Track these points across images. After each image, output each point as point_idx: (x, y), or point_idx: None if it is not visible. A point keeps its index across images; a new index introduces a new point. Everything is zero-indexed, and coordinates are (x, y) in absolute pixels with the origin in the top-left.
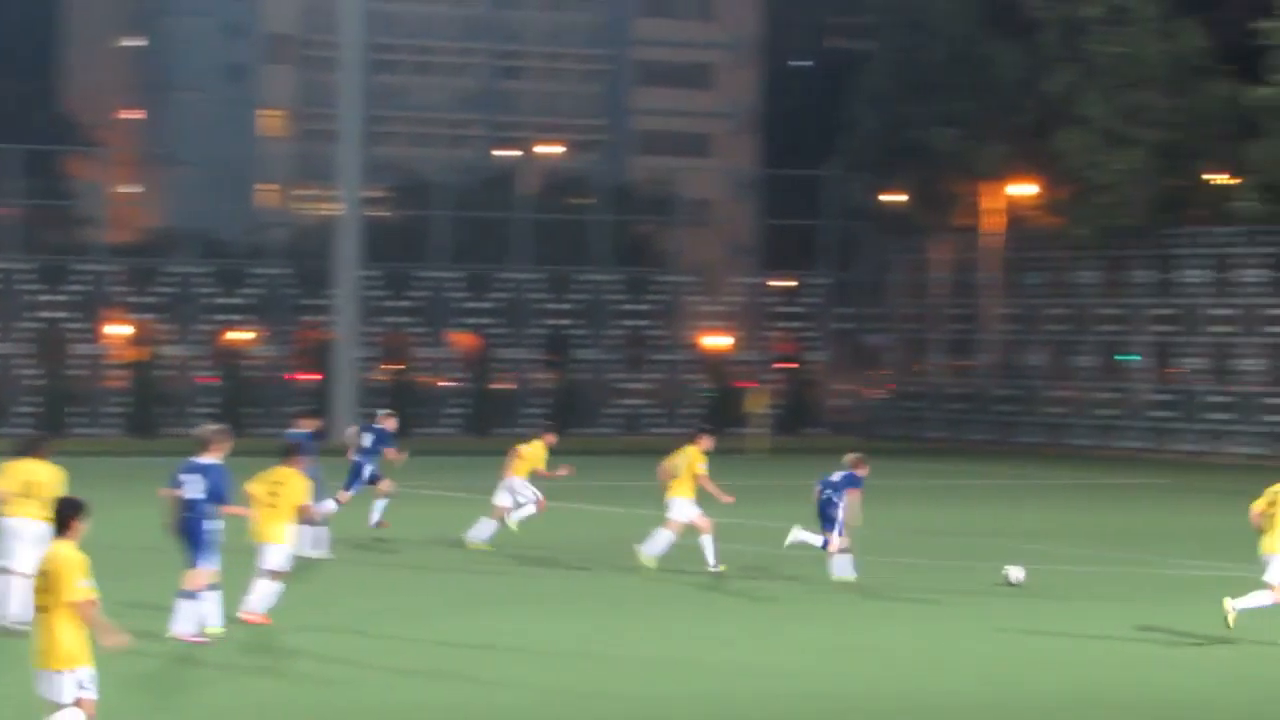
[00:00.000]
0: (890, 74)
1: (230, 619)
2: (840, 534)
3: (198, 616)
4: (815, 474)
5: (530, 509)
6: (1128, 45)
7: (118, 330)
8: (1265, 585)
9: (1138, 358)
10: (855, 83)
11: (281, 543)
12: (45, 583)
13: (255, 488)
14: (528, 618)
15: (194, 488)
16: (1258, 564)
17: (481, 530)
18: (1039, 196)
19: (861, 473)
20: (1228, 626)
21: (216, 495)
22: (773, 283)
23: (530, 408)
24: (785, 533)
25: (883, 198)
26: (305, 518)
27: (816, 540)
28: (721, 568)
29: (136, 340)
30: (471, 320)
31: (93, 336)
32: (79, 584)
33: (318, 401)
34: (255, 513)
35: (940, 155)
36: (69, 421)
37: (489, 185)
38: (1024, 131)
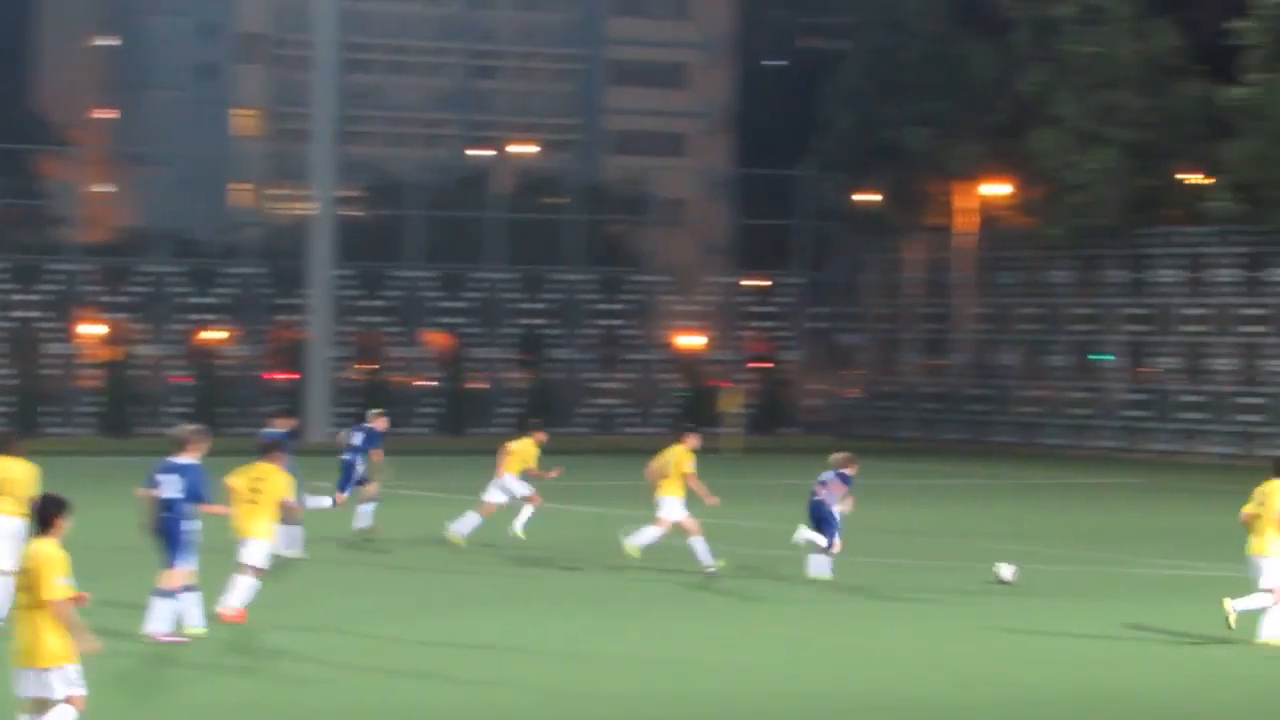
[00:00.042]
0: (864, 74)
1: (211, 618)
2: (839, 534)
3: (174, 616)
4: (789, 474)
5: (529, 511)
6: (1101, 45)
7: (91, 330)
8: (1263, 589)
9: (1111, 357)
10: (829, 82)
11: (263, 538)
12: (26, 580)
13: (236, 482)
14: (512, 617)
15: (171, 488)
16: (1234, 563)
17: (465, 524)
18: (1012, 196)
19: (850, 472)
20: (1229, 627)
21: (194, 495)
22: (746, 282)
23: (504, 407)
24: (762, 533)
25: (856, 197)
26: (287, 513)
27: (821, 540)
28: (720, 563)
29: (110, 340)
30: (445, 320)
31: (66, 336)
32: (57, 582)
33: (292, 401)
34: (236, 508)
35: (914, 155)
36: (42, 421)
37: (463, 185)
38: (997, 131)
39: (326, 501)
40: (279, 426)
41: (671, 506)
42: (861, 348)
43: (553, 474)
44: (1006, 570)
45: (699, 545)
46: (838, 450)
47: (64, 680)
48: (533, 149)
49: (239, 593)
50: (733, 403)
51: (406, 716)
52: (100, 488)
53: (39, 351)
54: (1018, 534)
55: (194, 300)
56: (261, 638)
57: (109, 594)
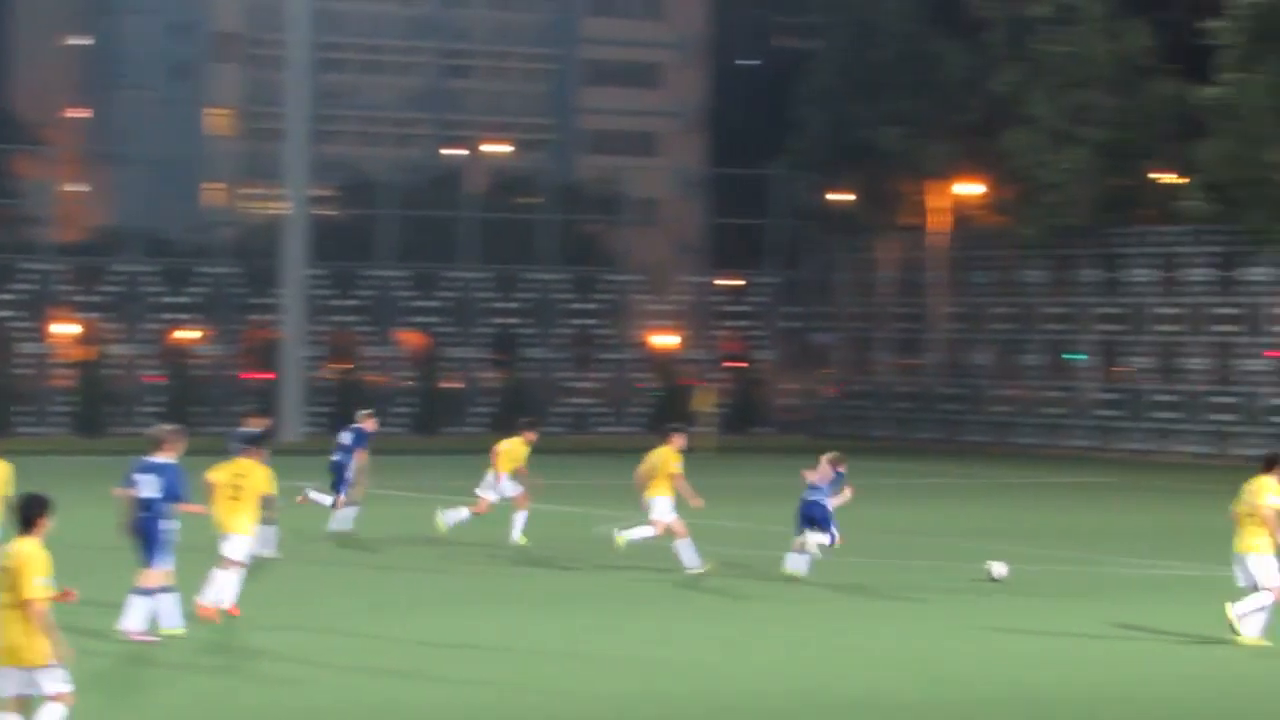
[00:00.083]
0: (837, 73)
1: (191, 616)
2: (835, 528)
3: (149, 614)
4: (763, 472)
5: (522, 516)
6: (1074, 45)
7: (64, 329)
8: (1264, 587)
9: (1084, 357)
10: (802, 82)
11: (245, 533)
12: (8, 580)
13: (217, 477)
14: (495, 616)
15: (149, 487)
16: (1207, 562)
17: (453, 515)
18: (985, 195)
19: (839, 470)
20: (1235, 633)
21: (172, 494)
22: (720, 282)
23: (478, 407)
24: (747, 533)
25: (830, 197)
26: (268, 508)
27: (825, 538)
28: (707, 566)
29: (83, 339)
30: (419, 319)
31: (39, 335)
32: (38, 582)
33: (265, 400)
34: (217, 503)
35: (887, 154)
36: (15, 421)
37: (436, 184)
38: (971, 131)
39: (329, 500)
40: (252, 426)
41: (663, 508)
42: (835, 347)
43: (536, 483)
44: (998, 568)
45: (685, 548)
46: (826, 450)
47: (53, 678)
48: (506, 148)
49: (221, 588)
50: (706, 402)
51: (385, 715)
52: (74, 487)
53: (12, 351)
54: (992, 533)
55: (167, 300)
56: (241, 637)
57: (85, 593)
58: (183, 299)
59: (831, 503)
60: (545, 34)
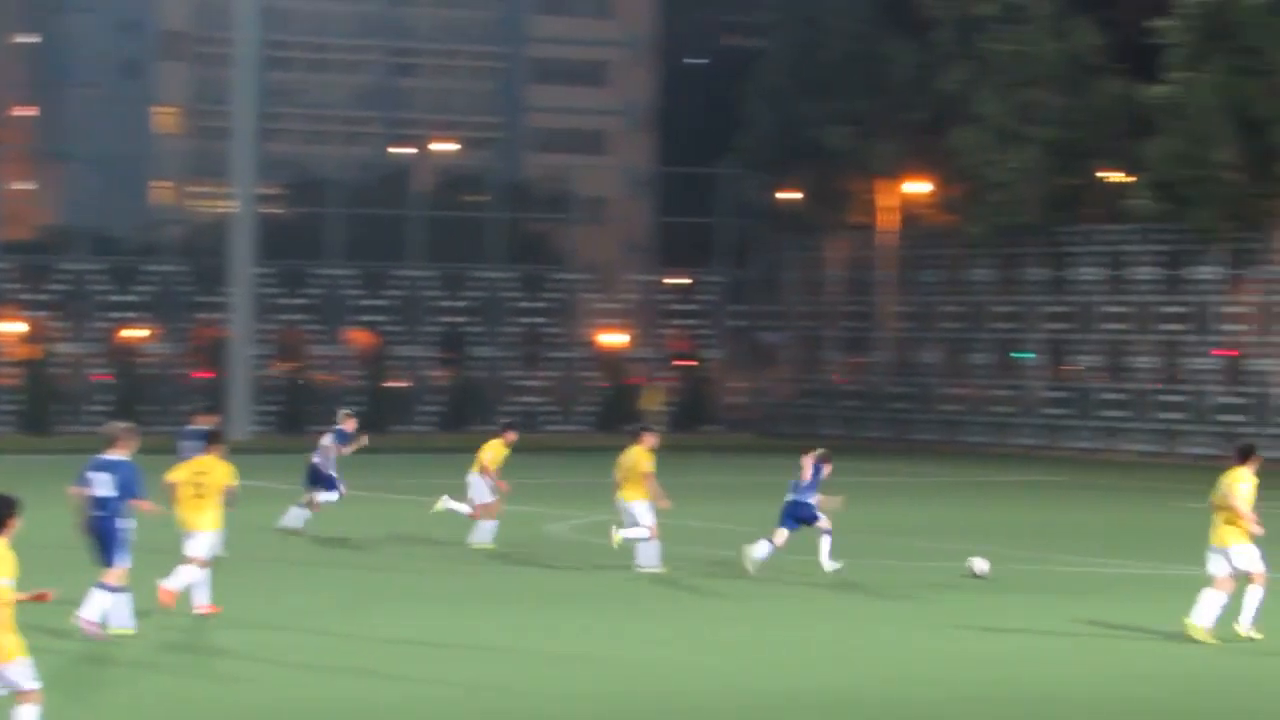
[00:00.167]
0: (785, 72)
1: (144, 613)
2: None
3: (105, 608)
4: (713, 471)
5: (464, 508)
6: (1022, 43)
7: (11, 328)
8: (1251, 578)
9: (1032, 355)
10: (751, 81)
11: (209, 530)
12: None
13: (178, 476)
14: (453, 614)
15: (103, 485)
16: (1155, 561)
17: (454, 505)
18: (934, 194)
19: (818, 465)
20: (1249, 639)
21: (127, 492)
22: (668, 280)
23: (426, 405)
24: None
25: (778, 195)
26: (231, 502)
27: (765, 551)
28: (664, 570)
29: (30, 338)
30: (367, 318)
31: None
32: (2, 583)
33: (213, 398)
34: (180, 502)
35: (835, 153)
36: None
37: (384, 182)
38: (919, 129)
39: (333, 496)
40: (202, 423)
41: (645, 510)
42: (783, 346)
43: (501, 485)
44: (980, 564)
45: (650, 548)
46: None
47: (24, 674)
48: (454, 147)
49: (184, 582)
50: (654, 400)
51: (344, 714)
52: (22, 486)
53: None
54: (942, 531)
55: (115, 298)
56: (202, 635)
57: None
58: (130, 297)
59: (815, 499)
60: (493, 32)
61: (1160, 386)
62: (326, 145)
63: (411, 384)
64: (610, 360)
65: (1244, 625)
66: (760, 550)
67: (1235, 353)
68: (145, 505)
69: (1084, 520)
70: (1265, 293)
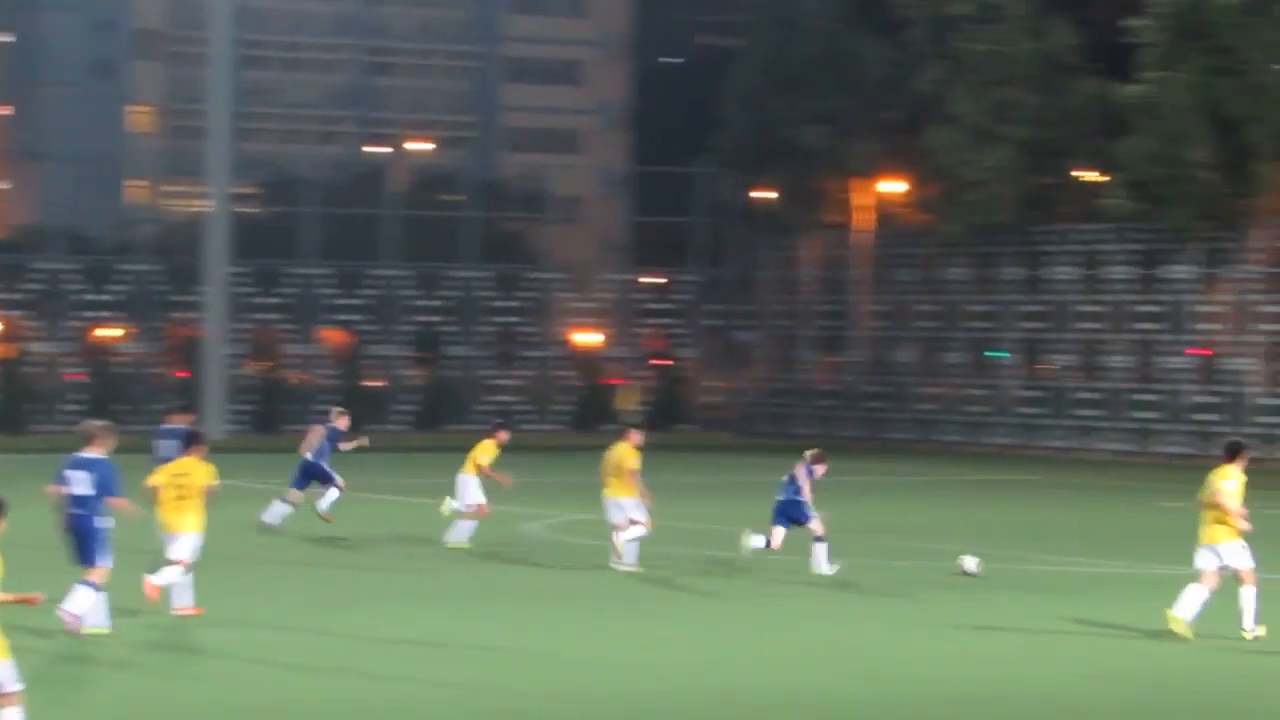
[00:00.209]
0: (760, 71)
1: (122, 611)
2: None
3: (86, 605)
4: (688, 470)
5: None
6: (997, 43)
7: None
8: (1240, 577)
9: (1007, 355)
10: (725, 80)
11: (193, 532)
12: None
13: (158, 479)
14: (428, 614)
15: (81, 484)
16: (1129, 560)
17: (459, 531)
18: (909, 194)
19: (819, 469)
20: (1254, 637)
21: (105, 490)
22: (643, 279)
23: (400, 405)
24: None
25: (753, 195)
26: (211, 498)
27: (760, 542)
28: (638, 569)
29: (4, 337)
30: (341, 317)
31: None
32: None
33: (187, 398)
34: (162, 505)
35: (810, 152)
36: None
37: (359, 182)
38: (894, 129)
39: (334, 494)
40: (177, 422)
41: (634, 506)
42: (758, 345)
43: (503, 478)
44: (970, 562)
45: (627, 545)
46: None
47: (7, 677)
48: (429, 146)
49: (168, 580)
50: (630, 400)
51: (323, 713)
52: None
53: None
54: (916, 530)
55: (89, 297)
56: (182, 634)
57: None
58: (104, 296)
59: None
60: (467, 31)
61: (1135, 386)
62: (301, 144)
63: (386, 383)
64: (585, 360)
65: (1248, 627)
66: (757, 542)
67: (1210, 352)
68: (122, 504)
69: (1060, 519)
70: (1239, 292)
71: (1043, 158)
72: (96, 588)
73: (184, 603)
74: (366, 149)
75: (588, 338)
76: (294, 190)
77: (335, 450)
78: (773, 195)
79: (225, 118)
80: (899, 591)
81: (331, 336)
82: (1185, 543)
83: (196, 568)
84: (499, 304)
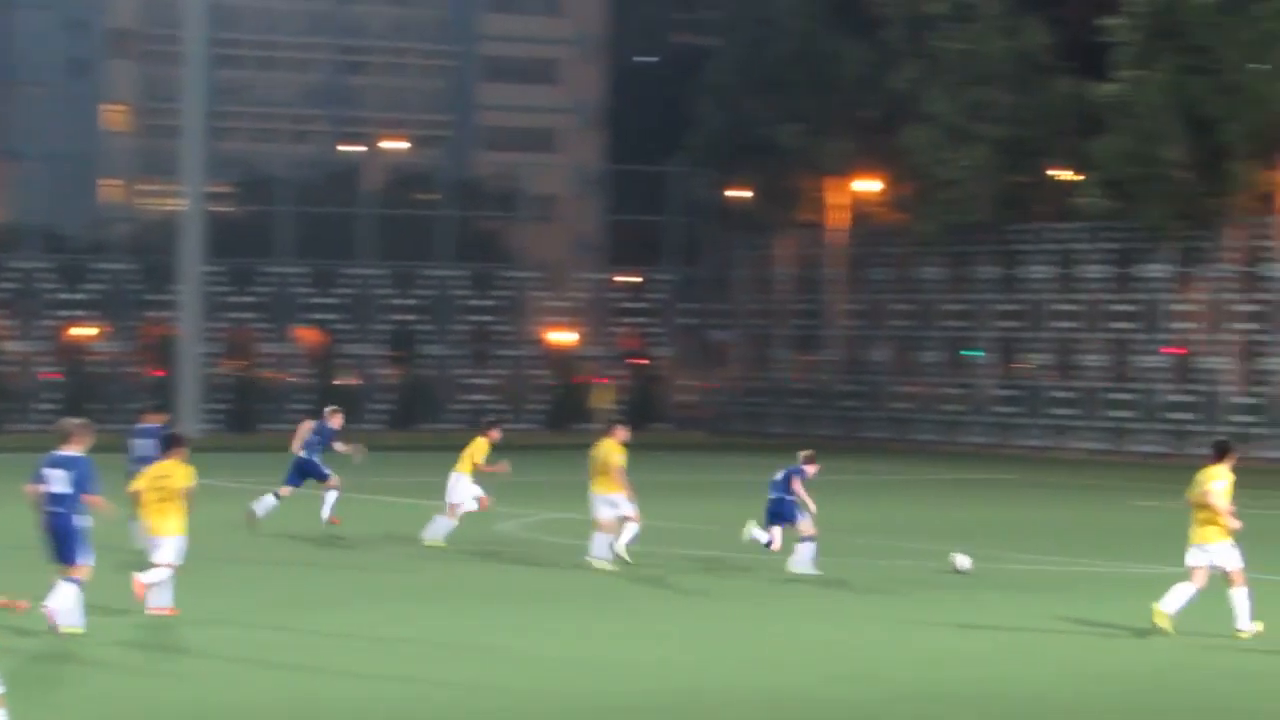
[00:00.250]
0: (736, 70)
1: (104, 610)
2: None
3: (69, 602)
4: (661, 469)
5: (472, 506)
6: (972, 42)
7: None
8: (1230, 577)
9: (982, 354)
10: (701, 79)
11: (176, 535)
12: None
13: (140, 485)
14: (411, 612)
15: (59, 482)
16: (1104, 559)
17: (436, 528)
18: (884, 192)
19: (809, 469)
20: (1254, 634)
21: (83, 488)
22: (618, 278)
23: (376, 404)
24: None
25: (728, 194)
26: (189, 500)
27: (764, 537)
28: (613, 566)
29: None
30: (316, 316)
31: None
32: None
33: (162, 397)
34: (145, 509)
35: (785, 151)
36: None
37: (333, 180)
38: (869, 128)
39: (333, 496)
40: (152, 421)
41: (622, 501)
42: (733, 344)
43: (500, 468)
44: (962, 560)
45: (602, 541)
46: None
47: None
48: (404, 145)
49: (153, 575)
50: (604, 399)
51: (303, 711)
52: None
53: None
54: (892, 530)
55: (64, 296)
56: (163, 633)
57: None
58: (79, 295)
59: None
60: (443, 30)
61: (1110, 385)
62: (276, 143)
63: (361, 382)
64: (560, 358)
65: (1244, 626)
66: (760, 535)
67: (1184, 351)
68: (98, 501)
69: (1035, 518)
70: (1214, 291)
71: (1018, 157)
72: (80, 585)
73: (161, 603)
74: (341, 148)
75: (563, 337)
76: (269, 189)
77: (328, 448)
78: (748, 194)
79: (200, 116)
80: (885, 590)
81: (306, 335)
82: (1161, 541)
83: (176, 568)
84: (474, 303)
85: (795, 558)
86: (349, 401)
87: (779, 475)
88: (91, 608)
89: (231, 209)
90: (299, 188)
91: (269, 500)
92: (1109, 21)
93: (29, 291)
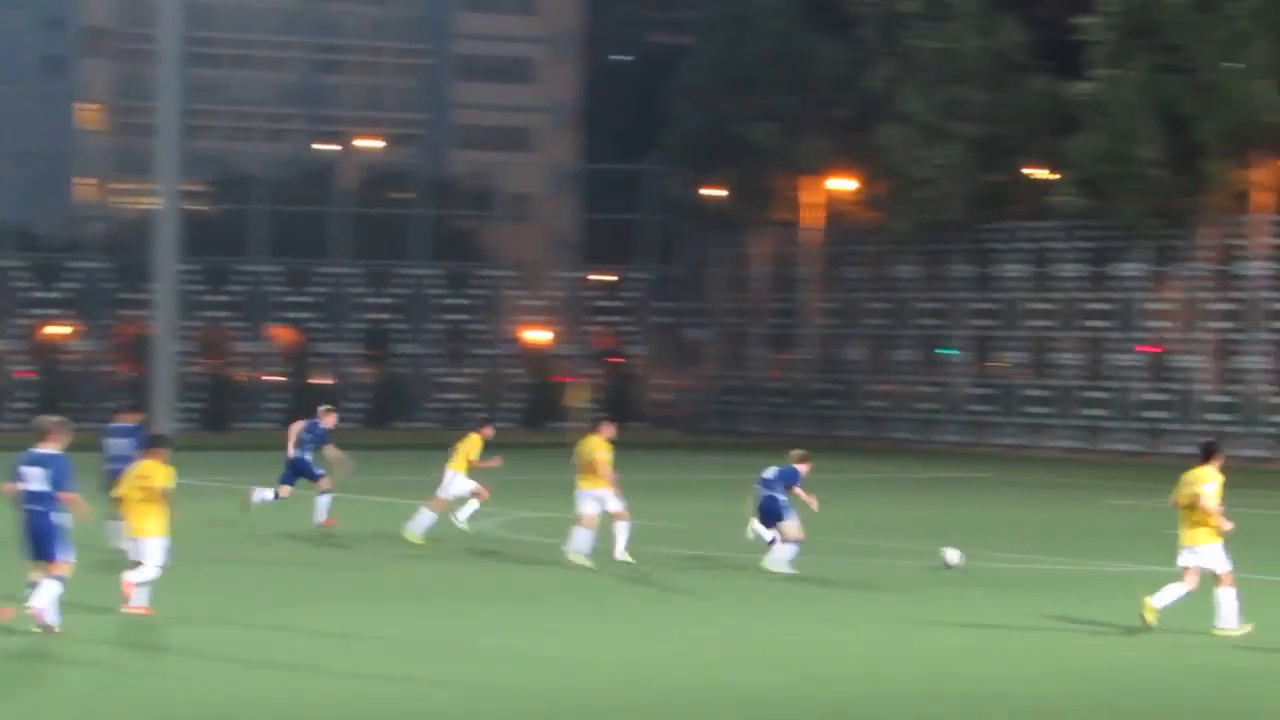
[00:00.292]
0: (711, 69)
1: (91, 609)
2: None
3: (55, 598)
4: (637, 468)
5: (474, 505)
6: (947, 40)
7: None
8: (1219, 579)
9: (957, 352)
10: (676, 78)
11: (159, 536)
12: None
13: (124, 489)
14: (390, 611)
15: (37, 480)
16: (1079, 558)
17: (465, 511)
18: (859, 191)
19: (803, 468)
20: (1244, 634)
21: (60, 485)
22: (593, 277)
23: (350, 402)
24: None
25: (703, 192)
26: (168, 500)
27: (768, 535)
28: (591, 563)
29: None
30: (291, 314)
31: None
32: None
33: (136, 395)
34: (128, 510)
35: (760, 150)
36: None
37: (308, 179)
38: (844, 126)
39: (326, 499)
40: (127, 420)
41: (609, 497)
42: (708, 342)
43: (493, 463)
44: (953, 555)
45: (582, 535)
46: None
47: None
48: (378, 144)
49: (142, 574)
50: (579, 397)
51: (281, 710)
52: None
53: None
54: (867, 528)
55: (38, 295)
56: (142, 632)
57: None
58: (54, 294)
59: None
60: (417, 28)
61: (1085, 383)
62: (251, 142)
63: (336, 381)
64: (535, 357)
65: (1228, 625)
66: (765, 534)
67: (1159, 349)
68: (73, 499)
69: (1010, 517)
70: (1189, 289)
71: (992, 155)
72: (62, 582)
73: (138, 602)
74: (316, 146)
75: (538, 335)
76: (243, 188)
77: (320, 447)
78: (723, 193)
79: (174, 115)
80: (871, 588)
81: (281, 334)
82: (1135, 540)
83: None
84: (449, 301)
85: (773, 555)
86: (324, 401)
87: (769, 473)
88: (70, 606)
89: (206, 208)
90: (274, 186)
91: (266, 494)
92: (1084, 20)
93: (3, 290)
